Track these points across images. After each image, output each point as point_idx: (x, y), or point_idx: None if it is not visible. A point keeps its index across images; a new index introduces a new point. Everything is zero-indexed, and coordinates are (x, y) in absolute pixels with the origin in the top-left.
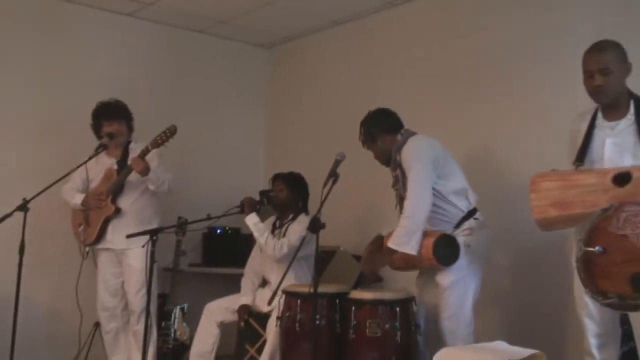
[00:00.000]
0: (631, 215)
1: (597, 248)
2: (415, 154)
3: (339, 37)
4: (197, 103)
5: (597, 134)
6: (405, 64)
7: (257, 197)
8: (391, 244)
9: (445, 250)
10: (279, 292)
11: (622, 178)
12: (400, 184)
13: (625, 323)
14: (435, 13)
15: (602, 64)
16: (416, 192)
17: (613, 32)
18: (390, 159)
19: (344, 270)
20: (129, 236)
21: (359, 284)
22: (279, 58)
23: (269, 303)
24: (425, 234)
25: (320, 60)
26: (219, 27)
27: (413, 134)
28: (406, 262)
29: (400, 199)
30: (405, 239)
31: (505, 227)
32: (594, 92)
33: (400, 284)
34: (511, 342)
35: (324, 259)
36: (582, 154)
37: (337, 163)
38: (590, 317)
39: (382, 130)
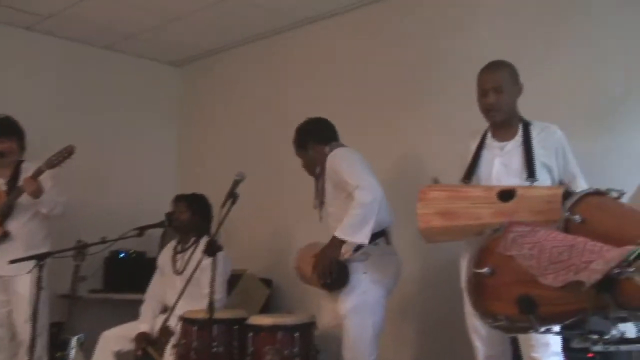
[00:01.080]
0: (518, 236)
1: (485, 269)
2: (345, 157)
3: (254, 54)
4: (102, 122)
5: (486, 154)
6: (319, 82)
7: (163, 219)
8: (340, 233)
9: (333, 274)
10: (173, 319)
11: (506, 194)
12: (321, 196)
13: (515, 344)
14: (352, 29)
15: (495, 82)
16: (365, 180)
17: (531, 47)
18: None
19: (250, 294)
20: (12, 262)
21: (266, 307)
22: (190, 76)
23: (160, 331)
24: None
25: (234, 78)
26: (126, 43)
27: (341, 146)
28: (309, 281)
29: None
30: (355, 228)
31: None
32: (488, 109)
33: (310, 305)
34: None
35: (230, 283)
36: (470, 172)
37: (236, 183)
38: (480, 338)
39: (315, 139)
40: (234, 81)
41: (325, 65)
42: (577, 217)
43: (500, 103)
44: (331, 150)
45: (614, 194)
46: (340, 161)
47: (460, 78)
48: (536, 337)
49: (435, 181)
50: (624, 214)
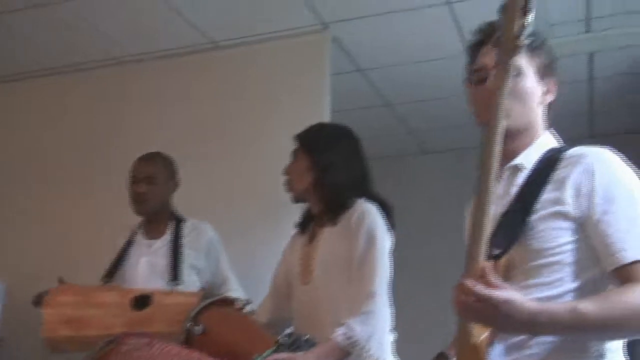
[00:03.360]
0: (132, 349)
1: None
2: None
3: None
4: None
5: (133, 251)
6: None
7: None
8: None
9: None
10: None
11: (142, 301)
12: None
13: None
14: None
15: (148, 172)
16: None
17: (196, 143)
18: None
19: None
20: None
21: None
22: None
23: None
24: None
25: None
26: None
27: None
28: None
29: None
30: None
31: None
32: (137, 199)
33: None
34: None
35: None
36: (113, 270)
37: None
38: None
39: None
40: None
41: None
42: (198, 328)
43: (149, 194)
44: None
45: (238, 304)
46: None
47: (117, 169)
48: None
49: (61, 281)
50: (245, 327)
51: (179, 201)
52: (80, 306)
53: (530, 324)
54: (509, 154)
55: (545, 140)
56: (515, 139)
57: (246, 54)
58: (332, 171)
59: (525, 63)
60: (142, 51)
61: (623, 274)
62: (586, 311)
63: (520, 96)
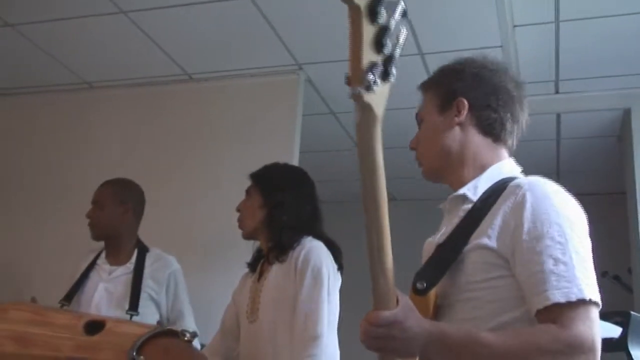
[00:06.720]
0: None
1: None
2: None
3: None
4: None
5: (93, 276)
6: None
7: None
8: None
9: None
10: None
11: (94, 326)
12: None
13: None
14: None
15: (96, 198)
16: None
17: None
18: None
19: None
20: None
21: None
22: None
23: None
24: None
25: None
26: None
27: None
28: None
29: None
30: None
31: None
32: (88, 224)
33: None
34: None
35: None
36: (71, 294)
37: None
38: None
39: None
40: None
41: None
42: (141, 359)
43: (95, 219)
44: None
45: (187, 336)
46: None
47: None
48: None
49: (34, 300)
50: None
51: (141, 231)
52: (32, 324)
53: (425, 341)
54: (456, 185)
55: (498, 170)
56: (447, 174)
57: (219, 89)
58: (281, 210)
59: (424, 105)
60: (114, 77)
61: (544, 317)
62: (485, 337)
63: (424, 140)
